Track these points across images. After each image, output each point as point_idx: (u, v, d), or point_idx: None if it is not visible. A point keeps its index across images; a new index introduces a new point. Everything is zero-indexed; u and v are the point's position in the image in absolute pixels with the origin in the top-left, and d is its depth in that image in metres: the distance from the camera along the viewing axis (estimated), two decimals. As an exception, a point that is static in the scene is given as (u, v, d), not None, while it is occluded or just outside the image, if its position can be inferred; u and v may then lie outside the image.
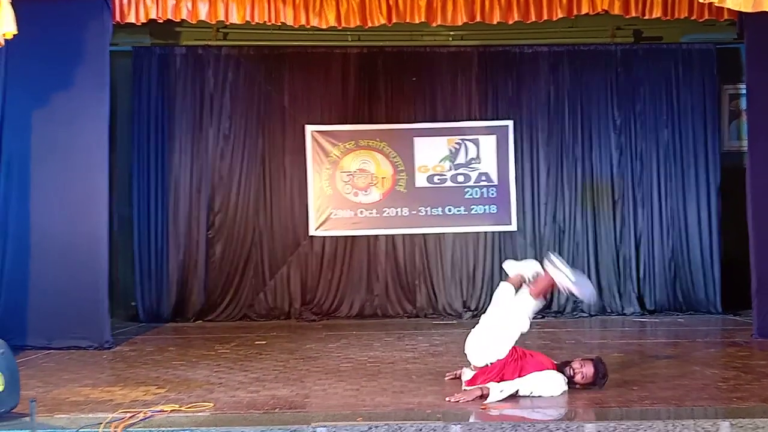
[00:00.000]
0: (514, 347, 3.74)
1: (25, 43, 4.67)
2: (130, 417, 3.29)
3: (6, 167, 5.34)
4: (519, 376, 3.65)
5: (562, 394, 3.68)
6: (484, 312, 7.18)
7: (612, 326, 6.59)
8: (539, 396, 3.63)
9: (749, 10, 4.44)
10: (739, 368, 4.37)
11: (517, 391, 3.61)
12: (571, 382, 3.73)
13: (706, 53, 7.25)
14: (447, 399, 3.62)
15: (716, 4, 4.76)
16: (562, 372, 3.72)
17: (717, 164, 7.19)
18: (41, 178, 5.35)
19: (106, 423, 3.20)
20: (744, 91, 6.28)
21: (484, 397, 3.58)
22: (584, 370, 3.72)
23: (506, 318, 3.76)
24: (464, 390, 3.71)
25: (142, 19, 5.51)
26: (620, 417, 3.26)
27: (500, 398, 3.56)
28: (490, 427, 3.15)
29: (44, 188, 5.35)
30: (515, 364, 3.70)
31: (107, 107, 5.50)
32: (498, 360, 3.68)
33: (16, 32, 4.39)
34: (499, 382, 3.63)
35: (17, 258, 5.30)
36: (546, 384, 3.65)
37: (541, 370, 3.68)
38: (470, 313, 6.98)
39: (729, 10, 4.95)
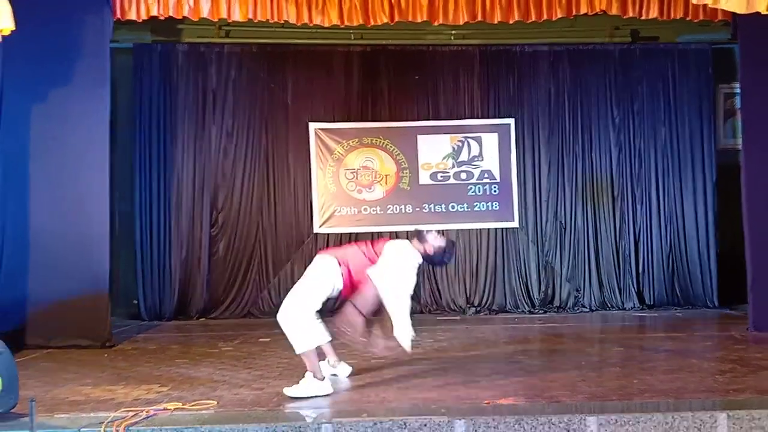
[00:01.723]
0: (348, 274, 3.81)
1: (23, 39, 4.63)
2: (133, 416, 3.24)
3: (3, 165, 5.29)
4: (371, 291, 3.71)
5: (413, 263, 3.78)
6: (487, 307, 7.14)
7: (612, 321, 6.66)
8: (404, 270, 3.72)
9: (743, 11, 4.49)
10: (735, 361, 4.43)
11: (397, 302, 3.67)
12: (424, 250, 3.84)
13: (701, 53, 7.32)
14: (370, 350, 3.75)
15: (710, 6, 4.81)
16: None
17: (713, 161, 7.26)
18: (40, 177, 5.33)
19: (108, 422, 3.15)
20: (738, 90, 6.35)
21: (391, 346, 3.70)
22: (438, 242, 3.87)
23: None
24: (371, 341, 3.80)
25: (143, 16, 5.50)
26: (621, 410, 3.32)
27: (403, 325, 3.64)
28: (494, 421, 3.19)
29: (43, 186, 5.32)
30: (351, 286, 3.81)
31: (108, 104, 5.48)
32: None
33: (13, 28, 4.36)
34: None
35: (16, 256, 5.27)
36: (398, 264, 3.73)
37: (375, 264, 3.75)
38: (473, 308, 7.05)
39: (723, 11, 5.01)
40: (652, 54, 7.38)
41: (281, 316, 3.83)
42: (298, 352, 3.79)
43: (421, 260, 3.88)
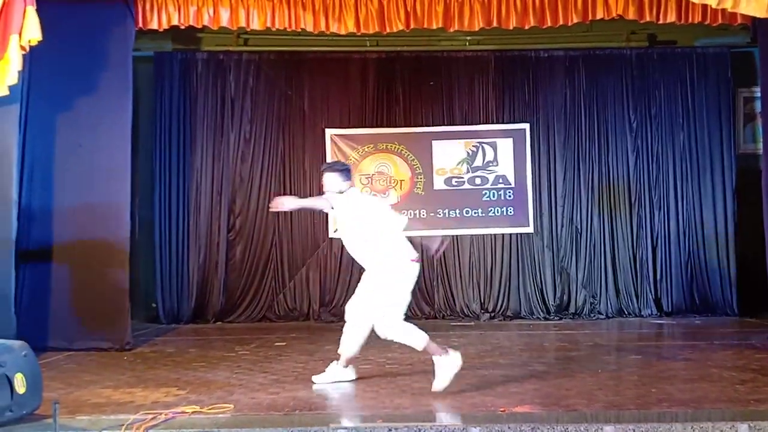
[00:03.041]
0: None
1: (49, 49, 4.72)
2: (152, 419, 3.27)
3: (29, 171, 5.40)
4: None
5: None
6: (502, 313, 7.23)
7: (629, 328, 6.61)
8: None
9: (763, 15, 4.45)
10: (756, 370, 4.37)
11: None
12: None
13: (720, 57, 7.26)
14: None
15: (730, 10, 4.77)
16: None
17: (732, 166, 7.19)
18: (64, 182, 5.43)
19: (128, 424, 3.18)
20: (758, 94, 6.27)
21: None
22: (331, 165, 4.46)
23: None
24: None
25: (165, 26, 5.61)
26: (638, 419, 3.29)
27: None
28: (510, 429, 3.17)
29: (67, 191, 5.42)
30: None
31: (130, 112, 5.58)
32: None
33: (40, 38, 4.45)
34: None
35: (39, 260, 5.35)
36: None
37: None
38: (488, 314, 7.04)
39: (742, 14, 4.95)
40: (669, 58, 7.33)
41: (377, 327, 4.04)
42: (418, 348, 4.02)
43: (355, 191, 4.28)
